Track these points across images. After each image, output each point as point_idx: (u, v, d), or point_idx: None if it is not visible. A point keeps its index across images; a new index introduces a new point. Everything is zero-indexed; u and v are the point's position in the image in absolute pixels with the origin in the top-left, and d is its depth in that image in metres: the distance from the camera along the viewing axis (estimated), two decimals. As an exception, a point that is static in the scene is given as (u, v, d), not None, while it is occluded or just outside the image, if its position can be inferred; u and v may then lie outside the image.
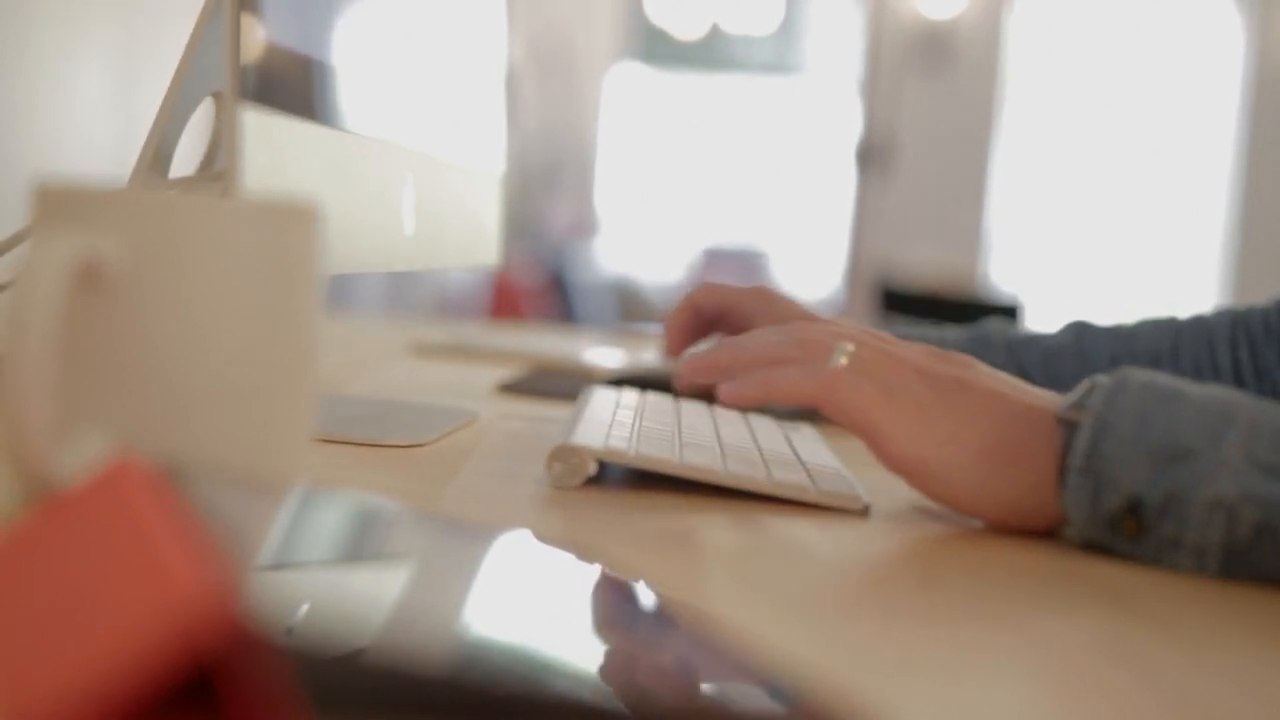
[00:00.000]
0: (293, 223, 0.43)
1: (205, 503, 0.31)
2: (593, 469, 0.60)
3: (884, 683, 0.35)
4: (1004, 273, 4.95)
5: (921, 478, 0.55)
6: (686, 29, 5.52)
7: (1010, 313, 2.87)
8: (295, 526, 0.33)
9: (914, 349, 0.59)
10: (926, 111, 4.92)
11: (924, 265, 4.78)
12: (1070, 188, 5.04)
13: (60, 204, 0.41)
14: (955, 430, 0.55)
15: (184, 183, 0.63)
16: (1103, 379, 0.54)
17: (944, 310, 2.84)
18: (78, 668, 0.22)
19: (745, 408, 0.60)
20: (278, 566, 0.26)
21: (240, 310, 0.41)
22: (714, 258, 5.61)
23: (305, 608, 0.23)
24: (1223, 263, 4.90)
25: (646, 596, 0.36)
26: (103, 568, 0.26)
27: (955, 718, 0.33)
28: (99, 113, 1.23)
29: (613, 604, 0.34)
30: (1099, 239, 5.03)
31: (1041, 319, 4.50)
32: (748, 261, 5.60)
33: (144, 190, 0.41)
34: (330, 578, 0.27)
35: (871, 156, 4.38)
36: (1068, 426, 0.53)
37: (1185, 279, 4.96)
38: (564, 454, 0.60)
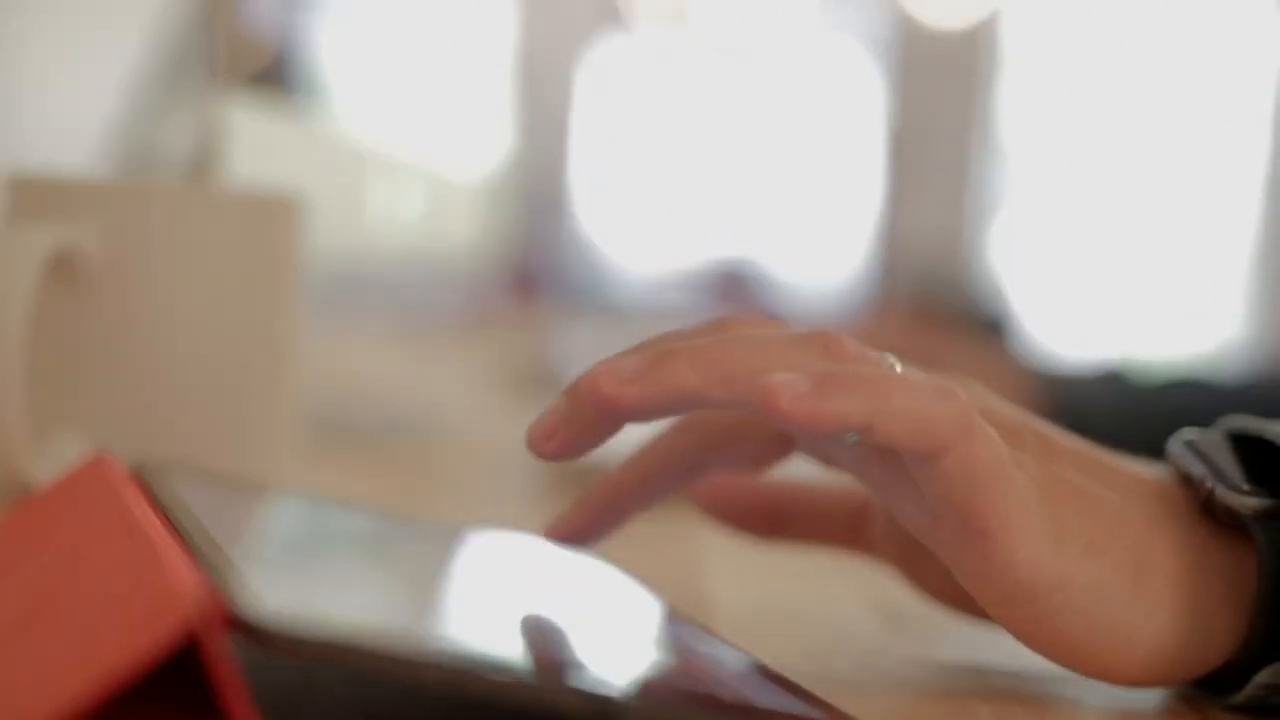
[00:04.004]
0: (274, 215, 0.42)
1: (183, 502, 0.30)
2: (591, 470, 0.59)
3: (885, 682, 0.34)
4: (1009, 279, 4.95)
5: (1047, 607, 0.31)
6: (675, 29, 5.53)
7: (1003, 323, 2.88)
8: (280, 527, 0.32)
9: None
10: (929, 116, 4.93)
11: (927, 269, 4.79)
12: (1077, 192, 5.04)
13: (34, 195, 0.40)
14: (1095, 528, 0.32)
15: (164, 175, 0.62)
16: None
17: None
18: (71, 665, 0.21)
19: (825, 434, 0.29)
20: (263, 567, 0.25)
21: (221, 303, 0.40)
22: (715, 263, 5.61)
23: (292, 609, 0.22)
24: (1248, 275, 4.81)
25: (647, 597, 0.35)
26: (96, 565, 0.25)
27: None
28: (77, 103, 1.22)
29: (613, 605, 0.33)
30: (1105, 247, 5.02)
31: (1043, 323, 4.50)
32: (741, 270, 5.61)
33: (122, 181, 0.40)
34: (317, 579, 0.26)
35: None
36: (1263, 519, 0.32)
37: (1208, 287, 4.92)
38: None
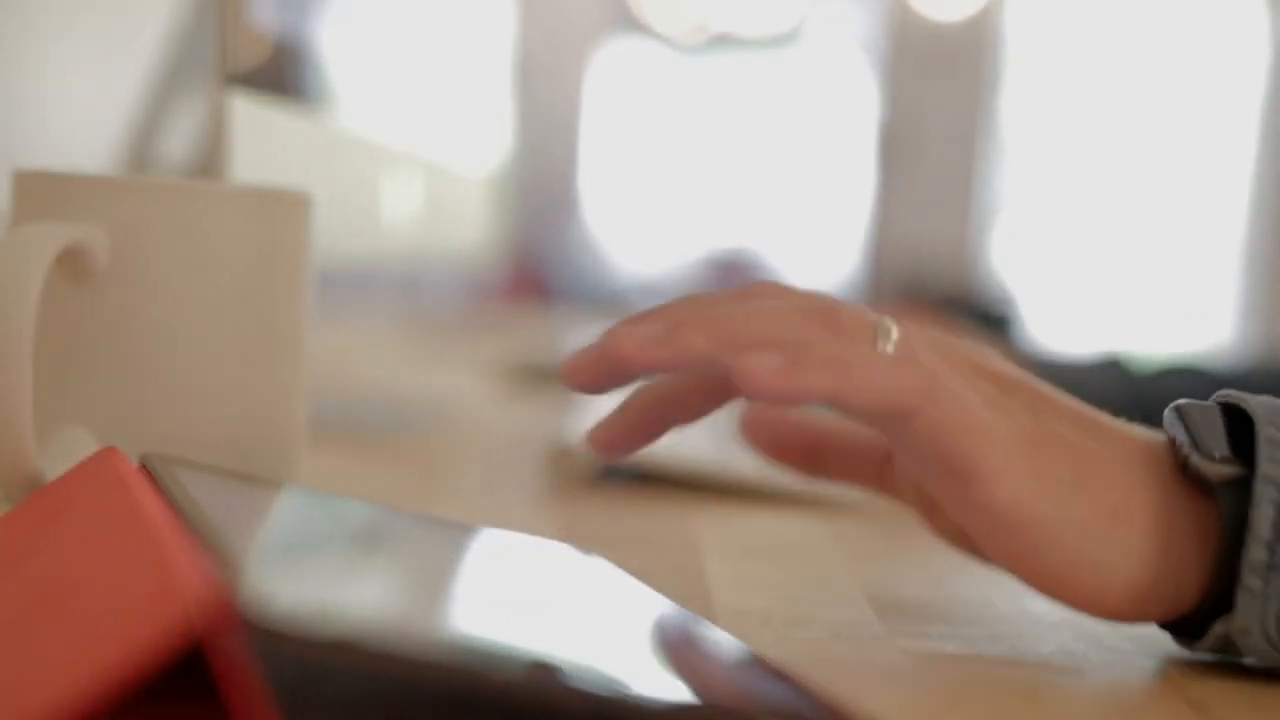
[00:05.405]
0: (281, 211, 0.42)
1: (191, 497, 0.30)
2: (593, 468, 0.59)
3: (883, 674, 0.34)
4: (1006, 274, 4.94)
5: (1030, 541, 0.35)
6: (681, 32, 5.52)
7: (1005, 317, 2.87)
8: (287, 523, 0.32)
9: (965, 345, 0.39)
10: (927, 111, 4.92)
11: (924, 264, 4.78)
12: (1077, 189, 5.03)
13: (41, 191, 0.40)
14: (1075, 473, 0.36)
15: (171, 171, 0.62)
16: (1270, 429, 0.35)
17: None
18: (76, 660, 0.21)
19: (797, 404, 0.34)
20: (270, 562, 0.25)
21: (227, 299, 0.40)
22: (714, 257, 5.61)
23: (300, 604, 0.22)
24: (1241, 271, 4.81)
25: (646, 595, 0.35)
26: (103, 559, 0.25)
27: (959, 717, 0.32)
28: (83, 101, 1.22)
29: (613, 604, 0.33)
30: (1105, 241, 5.01)
31: (1041, 317, 4.48)
32: (741, 262, 5.60)
33: (128, 177, 0.40)
34: (324, 574, 0.26)
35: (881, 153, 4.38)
36: (1228, 486, 0.35)
37: (1199, 282, 4.91)
38: (564, 453, 0.59)
